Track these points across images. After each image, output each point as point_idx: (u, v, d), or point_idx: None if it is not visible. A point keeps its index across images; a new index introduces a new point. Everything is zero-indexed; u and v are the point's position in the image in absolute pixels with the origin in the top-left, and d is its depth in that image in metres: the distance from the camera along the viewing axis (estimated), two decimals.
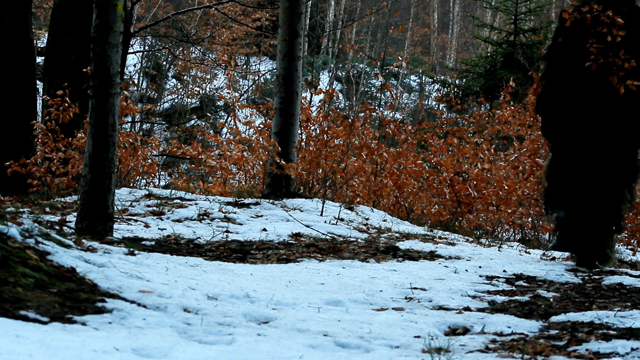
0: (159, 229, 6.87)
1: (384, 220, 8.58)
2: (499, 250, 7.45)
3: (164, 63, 27.75)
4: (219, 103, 26.23)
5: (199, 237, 6.60)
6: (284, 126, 9.14)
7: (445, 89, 22.52)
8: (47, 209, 7.30)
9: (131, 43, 17.84)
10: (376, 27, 34.63)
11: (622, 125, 7.30)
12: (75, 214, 6.26)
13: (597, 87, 7.47)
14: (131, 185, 9.65)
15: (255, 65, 29.69)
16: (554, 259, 7.19)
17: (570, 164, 7.30)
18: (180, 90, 27.65)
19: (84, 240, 4.94)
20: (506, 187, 9.87)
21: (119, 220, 6.89)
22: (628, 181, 7.33)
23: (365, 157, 10.31)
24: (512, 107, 12.21)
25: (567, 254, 7.27)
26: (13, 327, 2.91)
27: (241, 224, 7.45)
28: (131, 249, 5.11)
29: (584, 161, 7.27)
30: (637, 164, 7.45)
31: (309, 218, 7.93)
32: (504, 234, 10.75)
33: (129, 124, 19.43)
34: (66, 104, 9.20)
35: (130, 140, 9.53)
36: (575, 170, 7.22)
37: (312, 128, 10.86)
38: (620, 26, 7.42)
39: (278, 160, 8.89)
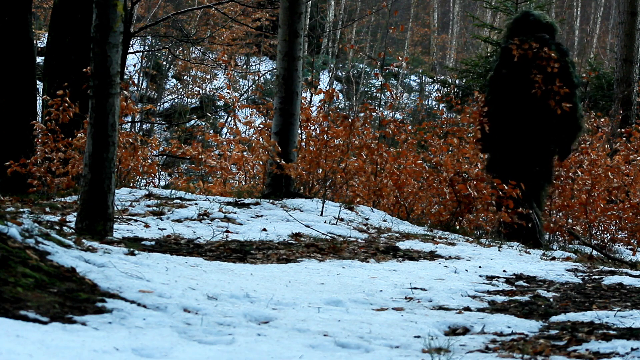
0: (159, 229, 6.87)
1: (384, 220, 8.58)
2: (499, 250, 7.45)
3: (164, 63, 27.75)
4: (219, 103, 26.23)
5: (199, 237, 6.60)
6: (284, 126, 9.14)
7: (445, 89, 22.51)
8: (47, 209, 7.30)
9: (131, 43, 17.83)
10: (376, 27, 34.62)
11: (544, 137, 9.83)
12: (75, 214, 6.26)
13: (534, 109, 9.80)
14: (131, 185, 9.64)
15: (255, 65, 29.68)
16: (554, 259, 7.19)
17: (506, 167, 9.83)
18: (180, 90, 27.64)
19: (84, 240, 4.94)
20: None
21: (119, 220, 6.89)
22: (546, 180, 9.99)
23: (365, 157, 10.30)
24: None
25: (567, 254, 7.62)
26: (13, 327, 2.91)
27: (241, 224, 7.45)
28: (131, 249, 5.11)
29: (517, 164, 9.81)
30: (552, 165, 10.09)
31: (309, 218, 7.93)
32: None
33: (129, 124, 19.42)
34: (66, 104, 9.19)
35: (130, 140, 9.53)
36: (510, 171, 9.70)
37: (312, 128, 10.85)
38: (555, 60, 9.75)
39: (278, 160, 8.89)
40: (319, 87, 17.70)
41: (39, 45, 23.39)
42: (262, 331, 3.51)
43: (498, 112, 10.01)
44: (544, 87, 9.75)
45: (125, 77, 20.52)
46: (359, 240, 7.23)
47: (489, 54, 21.73)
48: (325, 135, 10.01)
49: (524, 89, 9.85)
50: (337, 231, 7.51)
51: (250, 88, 24.35)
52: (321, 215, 8.18)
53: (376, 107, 13.94)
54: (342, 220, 8.10)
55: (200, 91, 27.27)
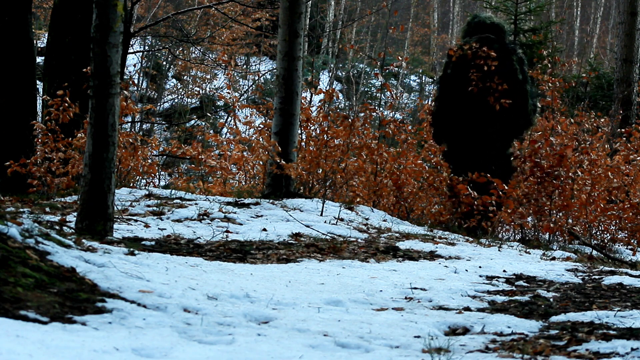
0: (159, 229, 6.87)
1: (384, 220, 8.58)
2: (499, 250, 7.45)
3: (164, 63, 27.75)
4: (219, 103, 26.22)
5: (199, 237, 6.60)
6: (284, 126, 9.14)
7: None
8: (47, 209, 7.30)
9: (131, 43, 17.83)
10: (376, 27, 34.62)
11: (484, 131, 10.34)
12: (75, 214, 6.26)
13: (477, 106, 10.31)
14: (131, 185, 9.65)
15: (255, 65, 29.68)
16: (554, 259, 7.19)
17: (458, 161, 10.29)
18: (180, 90, 27.64)
19: (84, 240, 4.94)
20: (506, 187, 9.87)
21: (119, 220, 6.89)
22: (505, 172, 10.28)
23: (365, 157, 10.31)
24: None
25: (567, 254, 7.64)
26: (13, 327, 2.91)
27: (241, 224, 7.45)
28: (131, 249, 5.10)
29: (466, 160, 10.28)
30: (510, 160, 10.55)
31: (309, 218, 7.93)
32: (504, 234, 10.75)
33: (129, 124, 19.42)
34: (66, 104, 9.19)
35: (130, 140, 9.53)
36: (463, 164, 10.12)
37: (312, 128, 10.86)
38: (494, 58, 10.26)
39: (278, 160, 8.89)
40: (319, 87, 17.70)
41: (39, 45, 23.39)
42: (262, 331, 3.51)
43: (444, 110, 10.68)
44: (480, 85, 10.33)
45: (125, 77, 20.51)
46: (359, 240, 7.23)
47: None
48: (325, 135, 10.01)
49: (465, 87, 10.46)
50: (337, 231, 7.51)
51: (250, 88, 24.36)
52: (321, 215, 8.18)
53: (376, 107, 13.95)
54: (342, 220, 8.10)
55: (200, 91, 27.27)
